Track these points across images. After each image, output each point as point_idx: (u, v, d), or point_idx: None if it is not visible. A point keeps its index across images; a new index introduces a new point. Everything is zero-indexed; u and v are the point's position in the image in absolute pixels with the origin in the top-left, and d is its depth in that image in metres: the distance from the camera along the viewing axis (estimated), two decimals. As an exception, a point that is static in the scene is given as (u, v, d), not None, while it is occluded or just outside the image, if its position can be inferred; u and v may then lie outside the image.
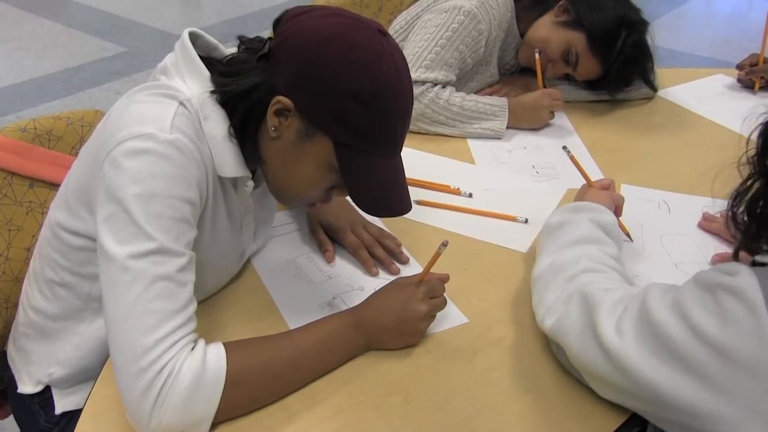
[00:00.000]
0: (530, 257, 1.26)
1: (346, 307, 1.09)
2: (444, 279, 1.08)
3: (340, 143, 0.93)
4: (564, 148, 1.29)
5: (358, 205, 0.96)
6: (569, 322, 0.95)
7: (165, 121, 0.91)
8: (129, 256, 0.85)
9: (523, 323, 1.10)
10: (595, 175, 1.41)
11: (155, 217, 0.87)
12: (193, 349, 0.87)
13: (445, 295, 1.06)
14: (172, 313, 0.86)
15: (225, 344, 0.90)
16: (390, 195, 0.98)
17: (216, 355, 0.88)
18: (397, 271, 1.21)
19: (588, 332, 0.91)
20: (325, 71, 0.90)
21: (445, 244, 1.01)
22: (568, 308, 0.97)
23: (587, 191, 1.25)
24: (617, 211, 1.24)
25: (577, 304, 0.96)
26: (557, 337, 0.98)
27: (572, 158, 1.29)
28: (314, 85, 0.90)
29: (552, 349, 1.03)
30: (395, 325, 1.01)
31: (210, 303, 1.12)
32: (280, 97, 0.92)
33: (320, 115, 0.92)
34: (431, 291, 1.04)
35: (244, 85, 0.95)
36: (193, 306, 0.90)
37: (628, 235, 1.31)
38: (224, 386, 0.86)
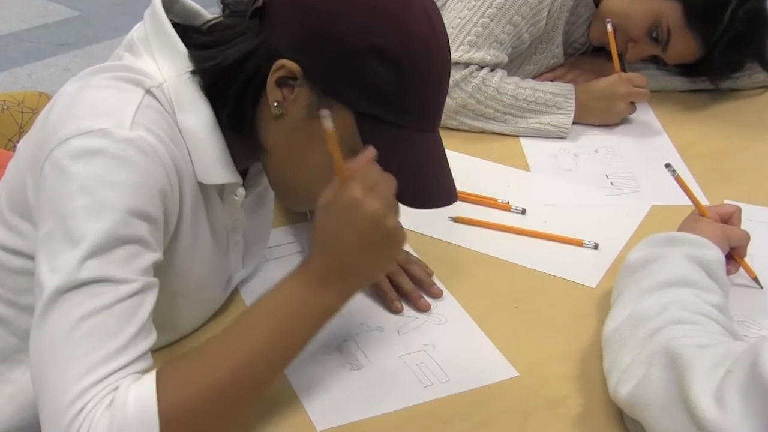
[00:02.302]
0: (601, 294, 1.29)
1: (361, 353, 1.13)
2: (370, 156, 0.97)
3: (364, 115, 0.96)
4: (668, 166, 1.28)
5: None
6: (651, 389, 0.95)
7: (125, 114, 0.94)
8: (60, 289, 0.87)
9: (591, 379, 1.12)
10: (692, 190, 1.38)
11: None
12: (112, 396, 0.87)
13: (388, 178, 0.97)
14: (108, 356, 0.87)
15: (159, 370, 0.90)
16: (431, 179, 1.00)
17: (138, 397, 0.87)
18: (427, 307, 1.24)
19: (677, 403, 0.91)
20: (339, 24, 0.93)
21: None
22: (650, 372, 0.96)
23: (697, 222, 1.24)
24: (739, 252, 1.25)
25: (662, 366, 0.95)
26: (635, 409, 0.98)
27: (678, 180, 1.28)
28: (326, 42, 0.94)
29: (627, 426, 1.04)
30: (359, 246, 0.96)
31: (186, 344, 1.15)
32: (284, 61, 0.95)
33: (336, 81, 0.95)
34: (368, 181, 0.96)
35: (233, 54, 0.99)
36: (145, 344, 0.91)
37: (756, 280, 1.30)
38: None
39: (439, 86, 1.00)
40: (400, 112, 0.97)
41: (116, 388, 0.86)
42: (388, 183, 0.96)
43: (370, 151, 0.96)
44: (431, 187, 1.01)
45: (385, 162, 0.96)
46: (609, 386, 1.04)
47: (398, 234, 0.97)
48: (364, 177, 0.95)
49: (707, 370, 0.90)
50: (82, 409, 0.84)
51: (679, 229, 1.24)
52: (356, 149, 0.97)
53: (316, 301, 0.97)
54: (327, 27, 0.94)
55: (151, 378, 0.88)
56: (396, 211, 0.97)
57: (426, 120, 1.00)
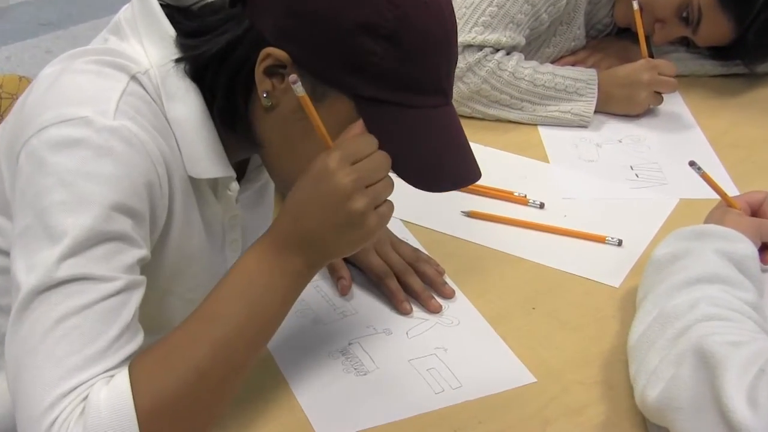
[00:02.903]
0: (624, 294, 1.29)
1: (367, 357, 1.13)
2: (361, 127, 0.97)
3: (363, 98, 0.96)
4: (692, 164, 1.27)
5: (407, 180, 0.98)
6: (681, 391, 0.96)
7: (108, 101, 0.94)
8: (36, 289, 0.88)
9: (614, 385, 1.13)
10: (724, 183, 1.39)
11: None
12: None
13: (381, 157, 0.96)
14: (87, 360, 0.87)
15: (131, 365, 0.90)
16: (445, 158, 1.00)
17: (111, 397, 0.87)
18: (438, 308, 1.25)
19: (708, 405, 0.92)
20: (321, 1, 0.93)
21: None
22: (680, 372, 0.97)
23: (726, 214, 1.24)
24: None
25: (692, 365, 0.96)
26: (664, 413, 0.98)
27: (705, 177, 1.28)
28: (311, 23, 0.94)
29: (652, 432, 1.05)
30: (321, 222, 0.95)
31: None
32: (270, 50, 0.96)
33: (328, 66, 0.95)
34: (351, 152, 0.95)
35: (218, 43, 0.99)
36: (129, 347, 0.91)
37: None
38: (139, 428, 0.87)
39: (447, 54, 0.99)
40: (403, 89, 0.96)
41: (86, 397, 0.86)
42: (377, 161, 0.95)
43: (361, 123, 0.96)
44: (446, 167, 1.00)
45: (393, 146, 0.96)
46: (636, 391, 1.05)
47: (364, 219, 0.95)
48: (348, 147, 0.95)
49: (740, 368, 0.91)
50: (56, 419, 0.85)
51: (706, 221, 1.25)
52: None
53: (282, 266, 0.97)
54: (310, 6, 0.93)
55: (123, 375, 0.89)
56: (371, 196, 0.95)
57: (435, 94, 0.99)
